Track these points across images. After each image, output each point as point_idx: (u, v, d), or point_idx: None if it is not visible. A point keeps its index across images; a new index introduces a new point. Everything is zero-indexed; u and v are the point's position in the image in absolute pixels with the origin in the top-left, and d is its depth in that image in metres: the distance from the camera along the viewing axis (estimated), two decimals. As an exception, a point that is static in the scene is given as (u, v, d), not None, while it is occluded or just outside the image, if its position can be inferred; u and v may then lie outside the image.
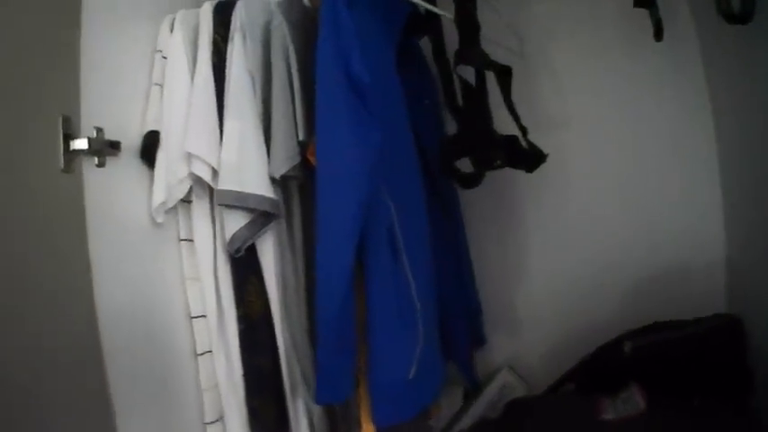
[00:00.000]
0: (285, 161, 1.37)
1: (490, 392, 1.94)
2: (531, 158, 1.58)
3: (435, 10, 1.52)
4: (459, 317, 1.76)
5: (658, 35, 1.52)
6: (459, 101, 1.62)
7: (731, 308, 1.72)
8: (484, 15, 1.56)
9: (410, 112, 1.52)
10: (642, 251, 1.88)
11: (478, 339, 1.95)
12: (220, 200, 1.37)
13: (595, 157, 1.95)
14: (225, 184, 1.36)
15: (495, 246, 2.06)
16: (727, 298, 1.78)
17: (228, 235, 1.40)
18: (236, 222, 1.39)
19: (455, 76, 1.57)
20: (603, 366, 1.69)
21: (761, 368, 1.52)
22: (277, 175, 1.37)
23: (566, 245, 1.99)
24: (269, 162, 1.38)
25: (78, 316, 1.23)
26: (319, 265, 1.28)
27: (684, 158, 1.85)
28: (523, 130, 1.56)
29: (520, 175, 1.65)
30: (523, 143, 1.55)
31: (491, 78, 1.56)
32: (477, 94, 1.58)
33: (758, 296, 1.60)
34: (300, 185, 1.46)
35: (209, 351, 1.51)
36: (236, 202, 1.36)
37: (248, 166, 1.37)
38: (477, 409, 1.92)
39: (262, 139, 1.40)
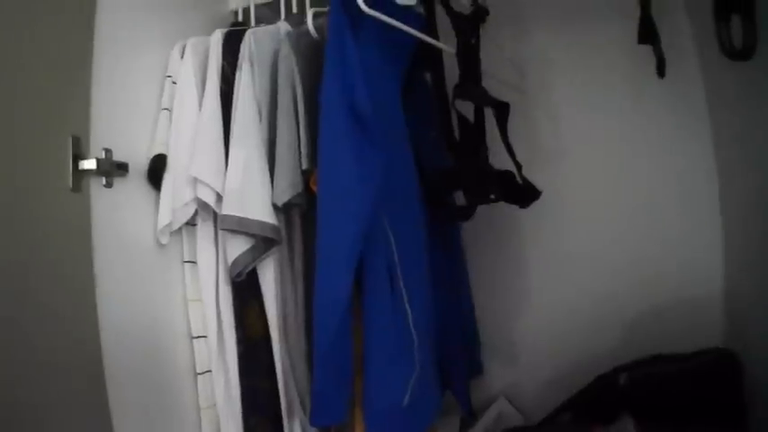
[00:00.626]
0: (288, 189, 1.40)
1: (486, 421, 1.94)
2: (525, 194, 1.60)
3: (436, 44, 1.54)
4: (456, 346, 1.77)
5: (661, 71, 1.53)
6: (456, 134, 1.64)
7: (728, 342, 1.72)
8: (485, 49, 1.58)
9: (414, 144, 1.54)
10: (640, 285, 1.87)
11: (475, 368, 1.95)
12: (223, 224, 1.40)
13: (595, 191, 1.95)
14: (228, 209, 1.39)
15: (493, 276, 2.06)
16: (724, 332, 1.78)
17: (230, 259, 1.43)
18: (238, 247, 1.43)
19: (453, 110, 1.59)
20: (599, 397, 1.69)
21: (756, 403, 1.52)
22: (279, 203, 1.40)
23: (564, 277, 1.99)
24: (272, 189, 1.41)
25: (81, 332, 1.26)
26: (317, 291, 1.30)
27: (685, 193, 1.85)
28: (518, 165, 1.58)
29: (519, 208, 1.67)
30: (518, 179, 1.58)
31: (489, 113, 1.58)
32: (474, 129, 1.60)
33: (755, 331, 1.60)
34: (303, 213, 1.49)
35: (209, 371, 1.54)
36: (239, 227, 1.39)
37: (252, 192, 1.40)
38: (473, 437, 1.93)
39: (266, 166, 1.43)
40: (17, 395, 1.09)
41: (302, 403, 1.45)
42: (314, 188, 1.39)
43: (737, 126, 1.66)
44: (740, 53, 1.36)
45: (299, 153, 1.41)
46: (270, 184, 1.42)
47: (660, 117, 1.87)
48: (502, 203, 1.62)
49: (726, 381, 1.58)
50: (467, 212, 1.64)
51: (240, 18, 1.79)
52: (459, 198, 1.67)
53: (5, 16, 1.15)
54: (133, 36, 1.49)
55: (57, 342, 1.18)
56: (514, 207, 1.66)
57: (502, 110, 1.56)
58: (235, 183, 1.40)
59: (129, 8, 1.48)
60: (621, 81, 1.90)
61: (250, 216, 1.39)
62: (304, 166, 1.40)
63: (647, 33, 1.54)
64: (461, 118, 1.58)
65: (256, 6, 1.76)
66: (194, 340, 1.55)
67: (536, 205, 1.63)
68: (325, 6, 1.44)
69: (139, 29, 1.52)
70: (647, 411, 1.56)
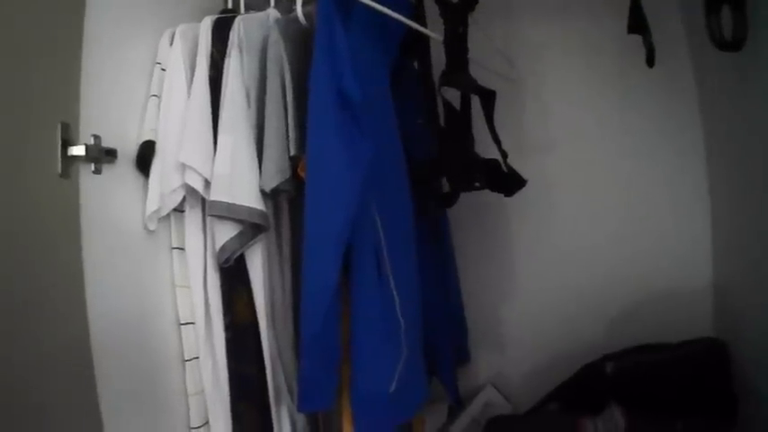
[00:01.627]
0: (276, 175, 1.40)
1: (473, 409, 1.95)
2: (510, 183, 1.61)
3: (424, 31, 1.54)
4: (444, 333, 1.77)
5: (650, 61, 1.53)
6: (442, 122, 1.64)
7: (717, 333, 1.73)
8: (474, 38, 1.59)
9: (402, 131, 1.54)
10: (629, 274, 1.89)
11: (463, 356, 1.96)
12: (211, 210, 1.40)
13: (582, 182, 1.97)
14: (216, 195, 1.39)
15: (482, 264, 2.07)
16: (713, 322, 1.79)
17: (218, 245, 1.43)
18: (226, 233, 1.42)
19: (439, 98, 1.59)
20: (586, 386, 1.70)
21: (744, 392, 1.53)
22: (267, 189, 1.40)
23: (553, 266, 2.01)
24: (260, 175, 1.42)
25: (69, 318, 1.25)
26: (305, 278, 1.30)
27: (674, 183, 1.86)
28: (504, 154, 1.58)
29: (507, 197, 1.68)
30: (504, 167, 1.58)
31: (476, 101, 1.59)
32: (460, 117, 1.60)
33: (744, 321, 1.61)
34: (290, 199, 1.49)
35: (197, 357, 1.54)
36: (227, 213, 1.39)
37: (240, 178, 1.40)
38: (460, 425, 1.94)
39: (254, 152, 1.43)
40: (2, 380, 1.08)
41: (289, 389, 1.45)
42: (302, 174, 1.39)
43: (727, 117, 1.67)
44: (730, 44, 1.37)
45: (288, 139, 1.41)
46: (258, 171, 1.42)
47: (650, 108, 1.88)
48: (488, 193, 1.62)
49: (714, 370, 1.59)
50: (450, 199, 1.64)
51: (230, 5, 1.78)
52: (445, 185, 1.67)
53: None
54: (123, 23, 1.48)
55: (44, 327, 1.17)
56: (502, 197, 1.66)
57: (488, 98, 1.56)
58: (223, 169, 1.40)
59: (118, -6, 1.48)
60: (611, 71, 1.91)
61: (238, 202, 1.39)
62: (292, 153, 1.41)
63: (637, 23, 1.54)
64: (447, 105, 1.59)
65: (246, -7, 1.75)
66: (182, 326, 1.54)
67: (523, 194, 1.64)
68: (314, -7, 1.44)
69: (129, 16, 1.51)
70: (635, 400, 1.57)
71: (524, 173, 1.61)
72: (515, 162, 1.60)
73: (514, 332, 2.06)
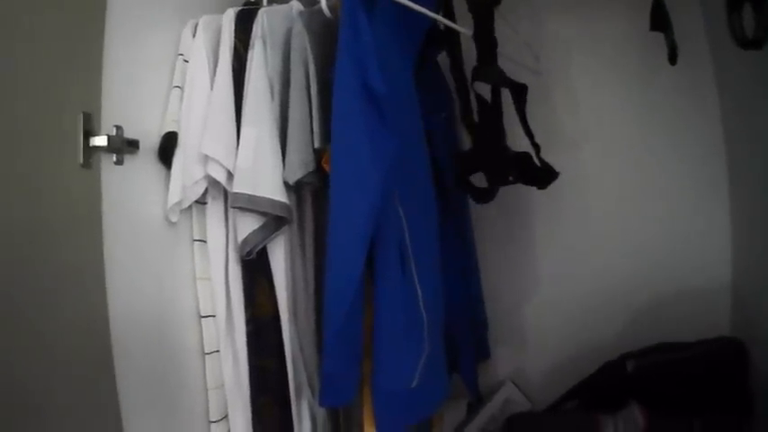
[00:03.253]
0: (300, 167, 1.39)
1: (492, 406, 1.95)
2: (542, 175, 1.60)
3: (454, 26, 1.54)
4: (465, 330, 1.77)
5: (673, 59, 1.52)
6: (475, 116, 1.63)
7: (735, 331, 1.73)
8: (501, 32, 1.58)
9: (426, 125, 1.54)
10: (650, 273, 1.88)
11: (483, 353, 1.95)
12: (234, 202, 1.39)
13: (607, 176, 1.96)
14: (239, 187, 1.38)
15: (504, 261, 2.07)
16: (731, 321, 1.78)
17: (241, 237, 1.43)
18: (248, 225, 1.42)
19: (471, 93, 1.59)
20: (606, 384, 1.70)
21: (762, 391, 1.53)
22: (291, 181, 1.39)
23: (574, 263, 2.00)
24: (284, 167, 1.41)
25: (90, 309, 1.25)
26: (329, 272, 1.29)
27: (695, 182, 1.85)
28: (537, 147, 1.58)
29: (531, 191, 1.67)
30: (536, 160, 1.57)
31: (507, 95, 1.58)
32: (492, 111, 1.60)
33: (763, 321, 1.60)
34: (314, 192, 1.48)
35: (217, 351, 1.54)
36: (250, 205, 1.38)
37: (263, 170, 1.39)
38: (479, 422, 1.93)
39: (278, 144, 1.42)
40: (23, 375, 1.08)
41: (311, 384, 1.45)
42: (326, 167, 1.38)
43: (748, 114, 1.66)
44: (752, 42, 1.36)
45: (312, 132, 1.40)
46: (281, 163, 1.41)
47: (671, 105, 1.87)
48: (516, 188, 1.62)
49: (732, 368, 1.59)
50: (488, 194, 1.64)
51: (253, -3, 1.78)
52: (478, 179, 1.67)
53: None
54: (145, 13, 1.48)
55: (64, 318, 1.17)
56: (525, 193, 1.66)
57: (520, 91, 1.55)
58: (246, 161, 1.39)
59: (141, -14, 1.47)
60: (633, 68, 1.91)
61: (261, 194, 1.38)
62: (316, 145, 1.39)
63: (660, 21, 1.53)
64: (480, 99, 1.58)
65: (269, -15, 1.74)
66: (203, 320, 1.54)
67: (546, 192, 1.64)
68: (339, -14, 1.44)
69: (151, 6, 1.50)
70: (654, 398, 1.57)
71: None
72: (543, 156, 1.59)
73: (535, 329, 2.06)
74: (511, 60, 1.67)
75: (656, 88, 1.88)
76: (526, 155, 1.58)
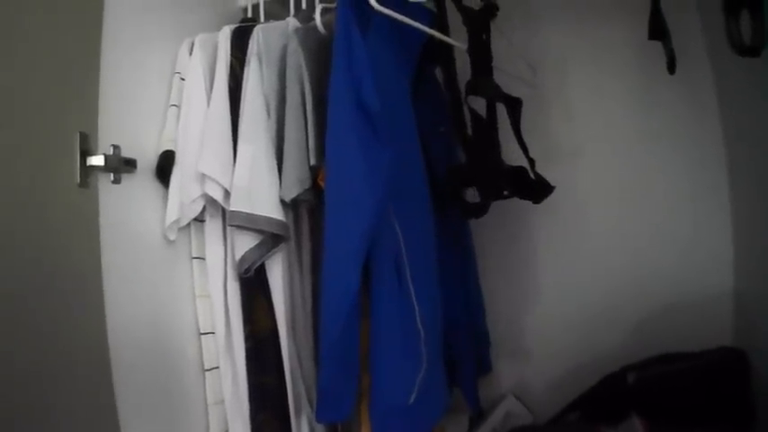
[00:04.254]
0: (296, 185, 1.40)
1: (494, 420, 1.93)
2: (538, 190, 1.60)
3: (448, 40, 1.53)
4: (465, 344, 1.76)
5: (671, 68, 1.51)
6: (469, 130, 1.63)
7: (738, 342, 1.71)
8: (496, 45, 1.58)
9: (423, 140, 1.54)
10: (650, 284, 1.87)
11: (484, 366, 1.94)
12: (232, 221, 1.40)
13: (605, 186, 1.94)
14: (236, 205, 1.39)
15: (503, 274, 2.06)
16: (733, 331, 1.77)
17: (238, 255, 1.43)
18: (246, 243, 1.42)
19: (465, 106, 1.59)
20: (607, 396, 1.69)
21: (764, 402, 1.52)
22: (287, 199, 1.40)
23: (574, 275, 1.98)
24: (280, 185, 1.41)
25: (89, 328, 1.26)
26: (325, 287, 1.30)
27: (696, 190, 1.84)
28: (532, 161, 1.57)
29: (531, 204, 1.67)
30: (531, 174, 1.57)
31: (501, 109, 1.58)
32: (486, 125, 1.59)
33: (765, 331, 1.59)
34: (310, 209, 1.48)
35: (217, 367, 1.55)
36: (247, 223, 1.39)
37: (260, 188, 1.40)
38: (481, 435, 1.93)
39: (274, 162, 1.43)
40: (22, 391, 1.09)
41: (309, 399, 1.45)
42: (322, 184, 1.38)
43: (747, 122, 1.65)
44: (749, 49, 1.35)
45: (307, 149, 1.41)
46: (278, 180, 1.42)
47: (670, 114, 1.86)
48: (514, 200, 1.61)
49: (734, 379, 1.57)
50: (480, 209, 1.63)
51: (249, 14, 1.78)
52: (472, 194, 1.67)
53: (13, 14, 1.15)
54: (141, 32, 1.49)
55: (63, 338, 1.18)
56: (525, 205, 1.65)
57: (514, 105, 1.55)
58: (243, 179, 1.40)
59: (137, 5, 1.48)
60: (632, 78, 1.89)
61: (258, 212, 1.39)
62: (312, 162, 1.40)
63: (658, 29, 1.53)
64: (474, 114, 1.57)
65: (266, 2, 1.75)
66: (202, 336, 1.55)
67: (546, 203, 1.63)
68: (333, 2, 1.44)
69: (148, 25, 1.52)
70: (656, 411, 1.55)
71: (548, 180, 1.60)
72: (538, 170, 1.59)
73: (536, 341, 2.04)
74: (506, 73, 1.67)
75: (654, 97, 1.86)
76: (521, 169, 1.57)
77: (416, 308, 1.38)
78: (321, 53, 1.45)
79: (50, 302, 1.17)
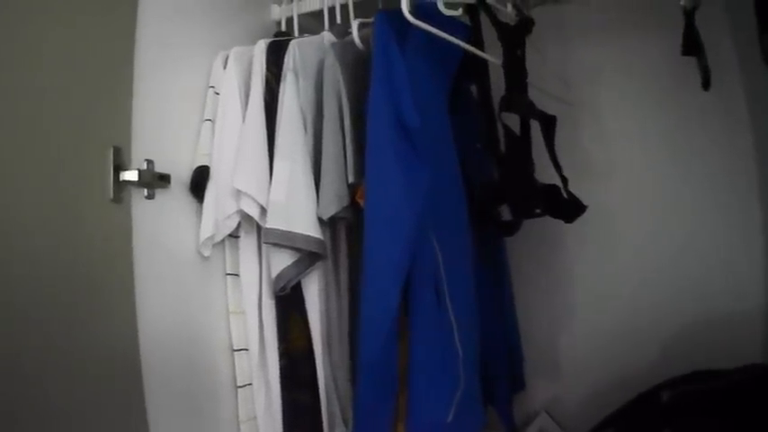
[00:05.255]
0: (334, 202, 1.38)
1: (527, 437, 1.94)
2: (570, 209, 1.58)
3: (483, 55, 1.52)
4: (500, 361, 1.74)
5: (706, 84, 1.50)
6: (502, 147, 1.62)
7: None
8: (530, 61, 1.57)
9: (461, 156, 1.53)
10: (682, 301, 1.85)
11: (518, 384, 1.92)
12: (267, 238, 1.38)
13: (636, 205, 1.94)
14: (273, 222, 1.38)
15: (537, 291, 2.05)
16: (763, 348, 1.76)
17: (275, 273, 1.42)
18: (282, 261, 1.41)
19: (499, 123, 1.57)
20: (641, 414, 1.68)
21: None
22: (325, 217, 1.39)
23: (607, 292, 1.97)
24: (318, 203, 1.40)
25: (121, 344, 1.25)
26: (364, 306, 1.29)
27: (727, 207, 1.83)
28: (565, 180, 1.56)
29: (561, 221, 1.65)
30: (564, 193, 1.56)
31: (535, 126, 1.56)
32: (520, 142, 1.58)
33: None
34: (348, 226, 1.47)
35: (250, 384, 1.53)
36: (284, 241, 1.37)
37: (297, 205, 1.39)
38: (514, 452, 1.91)
39: (311, 179, 1.42)
40: (56, 406, 1.08)
41: (344, 418, 1.44)
42: (360, 202, 1.37)
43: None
44: (783, 64, 1.34)
45: (345, 166, 1.40)
46: (315, 198, 1.40)
47: (703, 131, 1.85)
48: (547, 218, 1.60)
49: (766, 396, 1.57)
50: (512, 227, 1.62)
51: (283, 28, 1.78)
52: (505, 211, 1.65)
53: (48, 28, 1.14)
54: (175, 46, 1.48)
55: (96, 353, 1.18)
56: (559, 222, 1.64)
57: (549, 123, 1.53)
58: (279, 196, 1.39)
59: (170, 18, 1.47)
60: (666, 94, 1.88)
61: (295, 230, 1.37)
62: (350, 180, 1.39)
63: (692, 45, 1.51)
64: (507, 131, 1.56)
65: (300, 16, 1.74)
66: (235, 353, 1.54)
67: (579, 220, 1.61)
68: (369, 16, 1.43)
69: (181, 39, 1.51)
70: (689, 429, 1.54)
71: (581, 198, 1.58)
72: (571, 187, 1.57)
73: (569, 359, 2.04)
74: (539, 90, 1.65)
75: (687, 114, 1.85)
76: (554, 187, 1.56)
77: (455, 326, 1.37)
78: (358, 68, 1.44)
79: (83, 317, 1.16)
